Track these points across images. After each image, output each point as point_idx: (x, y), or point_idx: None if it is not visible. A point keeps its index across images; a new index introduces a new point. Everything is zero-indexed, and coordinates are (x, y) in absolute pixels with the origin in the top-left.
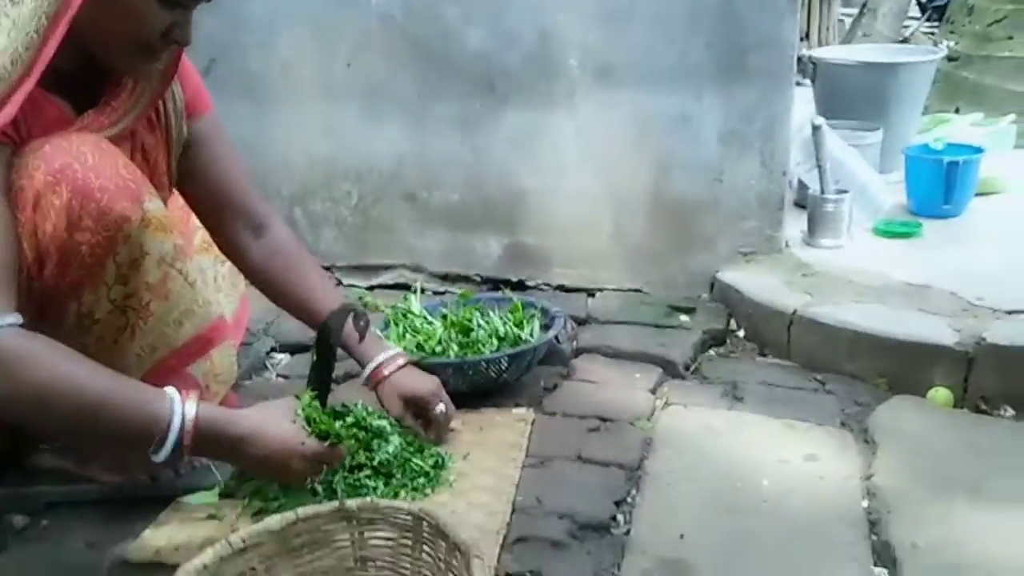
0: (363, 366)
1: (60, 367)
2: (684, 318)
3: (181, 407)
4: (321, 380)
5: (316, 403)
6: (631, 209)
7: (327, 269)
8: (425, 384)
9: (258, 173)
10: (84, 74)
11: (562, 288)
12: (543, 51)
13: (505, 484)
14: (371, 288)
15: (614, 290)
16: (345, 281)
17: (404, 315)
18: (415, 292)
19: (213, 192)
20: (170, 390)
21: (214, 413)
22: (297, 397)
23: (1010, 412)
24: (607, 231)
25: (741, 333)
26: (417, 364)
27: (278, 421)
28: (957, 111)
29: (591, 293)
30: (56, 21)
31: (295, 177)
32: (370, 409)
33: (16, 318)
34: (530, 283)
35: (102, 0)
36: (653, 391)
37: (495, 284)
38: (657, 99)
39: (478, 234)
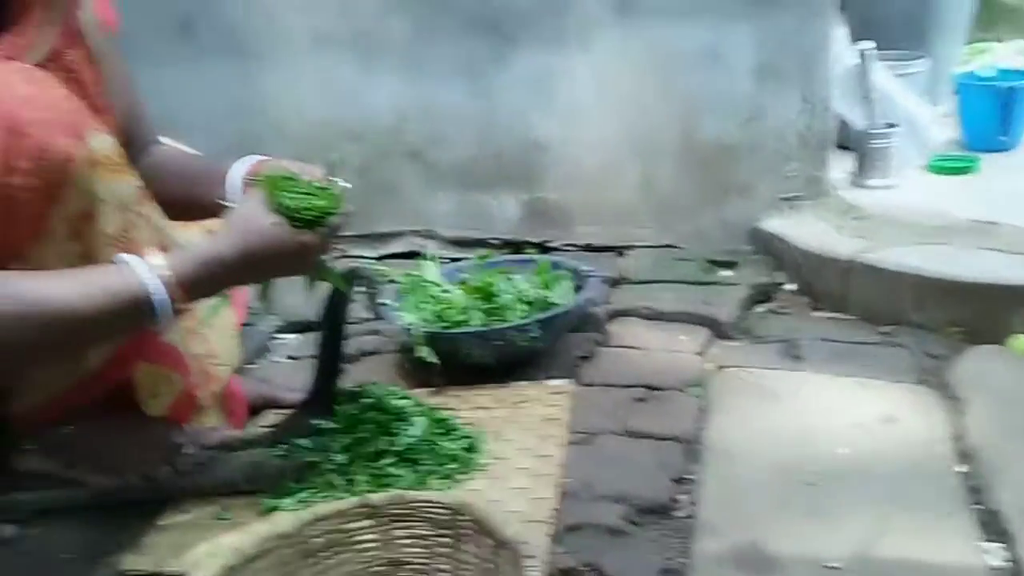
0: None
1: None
2: (726, 273)
3: (145, 264)
4: (330, 358)
5: (281, 179)
6: (659, 156)
7: None
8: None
9: (249, 137)
10: None
11: (589, 248)
12: None
13: (547, 466)
14: (380, 259)
15: (646, 247)
16: (351, 252)
17: (419, 284)
18: (430, 258)
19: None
20: (122, 257)
21: (184, 254)
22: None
23: None
24: (634, 182)
25: (790, 286)
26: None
27: (257, 225)
28: (999, 41)
29: (621, 251)
30: None
31: (290, 140)
32: (389, 388)
33: None
34: (553, 244)
35: None
36: (701, 354)
37: (515, 247)
38: (682, 32)
39: (493, 192)
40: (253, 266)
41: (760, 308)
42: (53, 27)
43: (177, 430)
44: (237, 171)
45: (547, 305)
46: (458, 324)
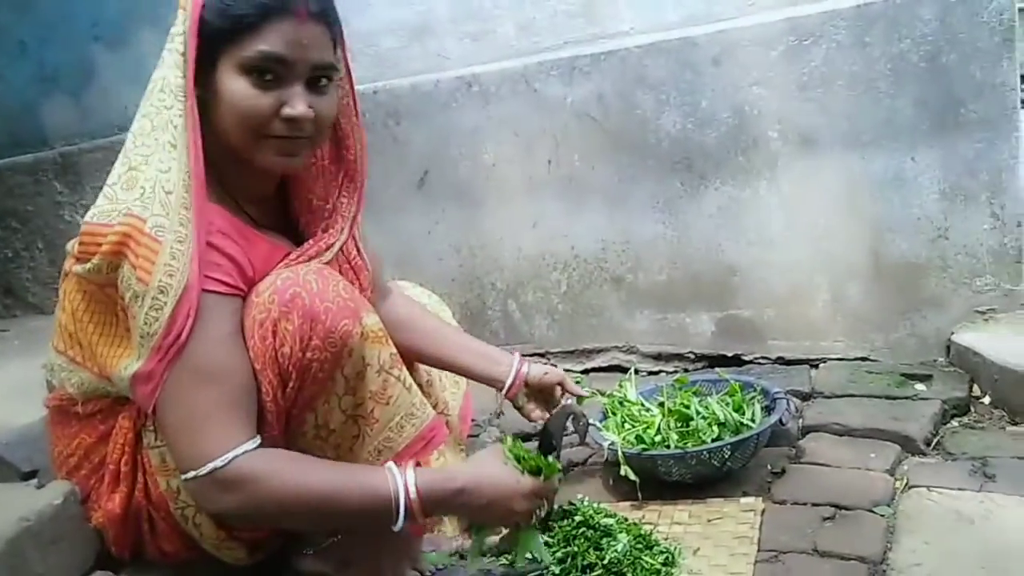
0: (495, 380)
1: (292, 475)
2: (919, 387)
3: (403, 479)
4: None
5: (519, 443)
6: (848, 275)
7: (541, 356)
8: (552, 375)
9: (472, 271)
10: (276, 198)
11: (781, 360)
12: (740, 127)
13: None
14: (586, 372)
15: (838, 359)
16: (560, 366)
17: (621, 403)
18: (630, 379)
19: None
20: (390, 466)
21: (431, 475)
22: (500, 441)
23: None
24: (824, 299)
25: (987, 400)
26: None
27: (491, 467)
28: None
29: (813, 364)
30: (192, 137)
31: (507, 272)
32: (596, 507)
33: (254, 443)
34: (747, 357)
35: (221, 109)
36: (891, 472)
37: (710, 360)
38: (866, 161)
39: (689, 311)
40: (482, 496)
41: (954, 423)
42: (346, 231)
43: (420, 540)
44: (522, 369)
45: (739, 428)
46: (656, 445)
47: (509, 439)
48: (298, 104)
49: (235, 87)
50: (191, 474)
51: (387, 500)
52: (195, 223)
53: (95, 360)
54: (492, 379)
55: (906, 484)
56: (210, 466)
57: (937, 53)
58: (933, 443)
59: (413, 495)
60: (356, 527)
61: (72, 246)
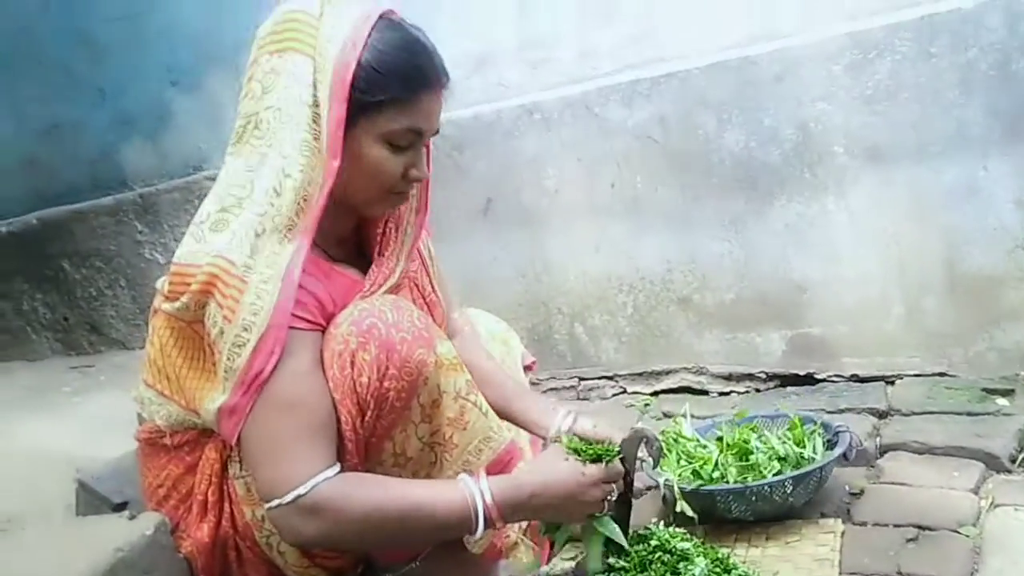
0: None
1: (370, 496)
2: (1002, 402)
3: (478, 486)
4: (623, 502)
5: (575, 437)
6: (922, 289)
7: (609, 379)
8: (600, 431)
9: (538, 296)
10: (352, 234)
11: (856, 378)
12: (805, 143)
13: None
14: (655, 394)
15: (915, 375)
16: (629, 389)
17: (676, 440)
18: (685, 415)
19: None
20: (463, 476)
21: (502, 483)
22: (556, 440)
23: None
24: (898, 314)
25: None
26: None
27: (554, 466)
28: None
29: (889, 381)
30: (321, 193)
31: (572, 296)
32: (672, 531)
33: (334, 469)
34: (819, 376)
35: (350, 167)
36: (975, 491)
37: (781, 380)
38: (936, 173)
39: (758, 330)
40: (554, 496)
41: None
42: (405, 254)
43: (496, 565)
44: (566, 422)
45: (799, 462)
46: (714, 480)
47: (565, 437)
48: (424, 168)
49: (375, 153)
50: (275, 503)
51: (465, 508)
52: (288, 267)
53: (183, 394)
54: (538, 430)
55: (991, 503)
56: (293, 494)
57: (1006, 61)
58: (1019, 460)
59: (490, 501)
60: (437, 541)
61: (162, 284)
